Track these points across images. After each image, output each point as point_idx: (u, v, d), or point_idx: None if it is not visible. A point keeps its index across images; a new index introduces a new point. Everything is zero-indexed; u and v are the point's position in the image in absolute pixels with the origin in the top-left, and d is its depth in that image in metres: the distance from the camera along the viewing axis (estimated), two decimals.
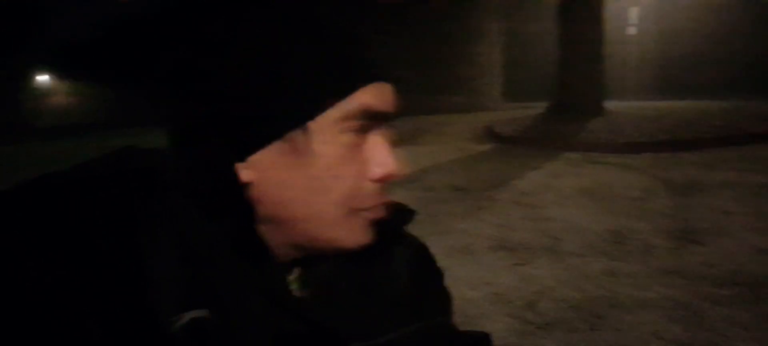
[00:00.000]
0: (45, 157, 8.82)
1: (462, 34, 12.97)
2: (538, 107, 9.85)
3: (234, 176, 0.50)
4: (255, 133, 0.50)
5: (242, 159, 0.50)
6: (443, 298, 0.71)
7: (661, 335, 2.29)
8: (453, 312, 0.71)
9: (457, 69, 12.98)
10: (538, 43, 14.31)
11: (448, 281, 2.74)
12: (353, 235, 0.54)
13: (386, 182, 0.55)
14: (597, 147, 6.63)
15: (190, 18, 0.51)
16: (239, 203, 0.51)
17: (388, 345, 0.57)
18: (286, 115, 0.50)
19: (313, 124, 0.50)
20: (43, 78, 24.38)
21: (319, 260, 0.57)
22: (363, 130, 0.53)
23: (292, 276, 0.56)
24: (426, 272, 0.69)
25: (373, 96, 0.52)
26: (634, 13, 13.83)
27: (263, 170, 0.51)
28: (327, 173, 0.51)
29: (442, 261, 2.83)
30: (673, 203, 4.23)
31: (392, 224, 0.62)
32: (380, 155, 0.54)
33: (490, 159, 6.66)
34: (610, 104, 9.06)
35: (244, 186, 0.51)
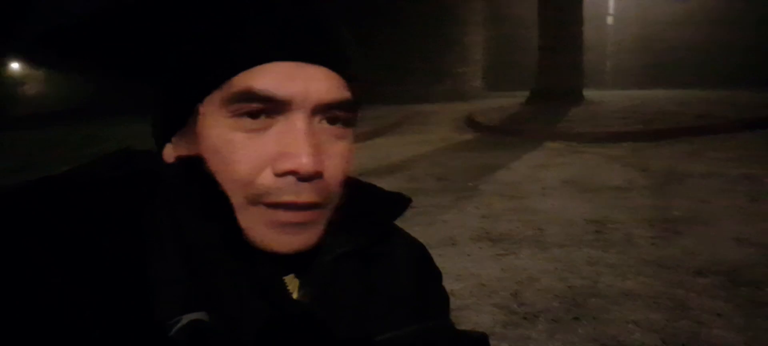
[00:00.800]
0: (29, 144, 8.65)
1: (444, 22, 12.95)
2: (520, 96, 9.92)
3: (198, 163, 0.50)
4: (168, 117, 0.54)
5: (168, 140, 0.54)
6: (442, 299, 0.70)
7: (643, 323, 2.34)
8: (450, 313, 0.71)
9: (439, 57, 12.98)
10: (521, 31, 14.36)
11: None
12: (257, 232, 0.50)
13: (297, 177, 0.49)
14: (579, 136, 6.71)
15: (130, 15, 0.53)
16: (213, 193, 0.49)
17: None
18: (177, 99, 0.52)
19: (202, 108, 0.50)
20: (15, 66, 23.83)
21: (316, 258, 0.55)
22: (265, 115, 0.49)
23: (290, 277, 0.55)
24: (425, 272, 0.68)
25: (262, 79, 0.48)
26: (611, 1, 13.95)
27: (187, 152, 0.52)
28: (217, 157, 0.49)
29: None
30: (654, 193, 4.30)
31: (387, 214, 0.62)
32: (285, 146, 0.49)
33: (472, 149, 6.69)
34: (590, 93, 9.16)
35: (210, 174, 0.50)
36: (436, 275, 0.70)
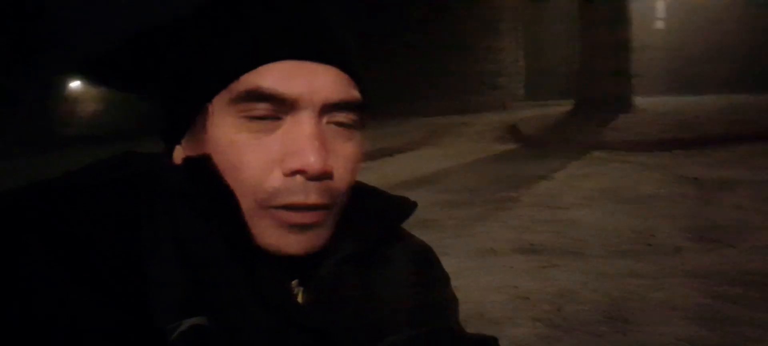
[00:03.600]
0: (73, 164, 9.01)
1: (482, 30, 12.88)
2: (561, 105, 9.75)
3: (208, 164, 0.50)
4: (176, 118, 0.53)
5: (177, 142, 0.54)
6: (448, 301, 0.67)
7: (687, 338, 2.28)
8: (458, 316, 0.69)
9: (477, 67, 12.90)
10: (561, 39, 14.15)
11: (471, 284, 2.76)
12: (266, 235, 0.50)
13: (305, 177, 0.48)
14: (622, 145, 6.55)
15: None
16: (221, 195, 0.49)
17: None
18: (187, 100, 0.51)
19: (211, 107, 0.50)
20: (74, 84, 24.87)
21: (319, 262, 0.54)
22: (272, 115, 0.48)
23: (294, 281, 0.54)
24: (430, 275, 0.66)
25: (269, 77, 0.48)
26: (661, 6, 13.57)
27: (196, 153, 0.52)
28: (225, 158, 0.49)
29: (464, 264, 2.87)
30: (700, 203, 4.17)
31: (392, 218, 0.61)
32: (292, 145, 0.48)
33: (512, 160, 6.63)
34: (637, 100, 8.92)
35: (219, 176, 0.49)
36: (441, 277, 0.68)
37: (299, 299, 0.54)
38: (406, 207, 0.61)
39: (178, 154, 0.54)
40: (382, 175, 6.33)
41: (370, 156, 7.46)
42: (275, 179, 0.48)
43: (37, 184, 0.49)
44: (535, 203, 4.55)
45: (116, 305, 0.44)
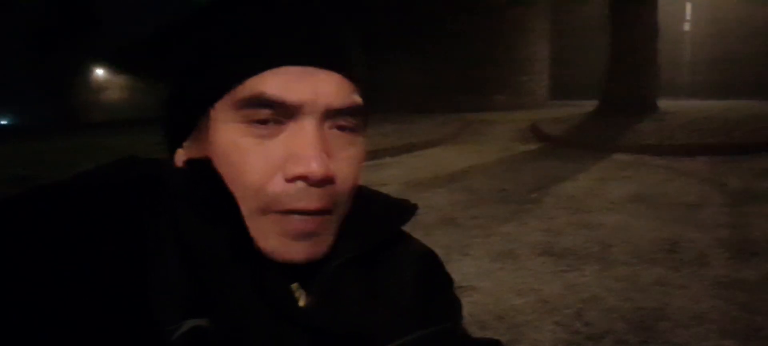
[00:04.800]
0: (105, 150, 9.18)
1: (507, 29, 12.78)
2: (586, 106, 9.62)
3: (210, 168, 0.50)
4: (179, 121, 0.53)
5: (179, 145, 0.54)
6: (452, 304, 0.67)
7: None
8: (463, 319, 0.69)
9: (501, 66, 12.80)
10: (587, 39, 13.95)
11: (492, 286, 2.73)
12: (267, 241, 0.50)
13: (307, 183, 0.49)
14: (649, 149, 6.44)
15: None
16: (224, 199, 0.49)
17: None
18: (190, 103, 0.51)
19: (213, 112, 0.50)
20: (99, 72, 25.39)
21: (321, 264, 0.54)
22: (274, 120, 0.49)
23: (295, 284, 0.55)
24: (433, 278, 0.66)
25: (272, 83, 0.48)
26: (688, 8, 13.31)
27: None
28: (228, 162, 0.49)
29: (485, 265, 2.83)
30: (730, 211, 4.06)
31: (394, 221, 0.61)
32: (295, 151, 0.48)
33: (535, 160, 6.55)
34: (662, 103, 8.76)
35: (221, 180, 0.50)
36: (444, 280, 0.68)
37: (301, 302, 0.54)
38: (407, 210, 0.62)
39: (180, 157, 0.55)
40: (408, 169, 6.31)
41: (399, 150, 7.45)
42: (277, 184, 0.49)
43: (40, 187, 0.49)
44: (558, 205, 4.48)
45: (118, 306, 0.44)
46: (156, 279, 0.46)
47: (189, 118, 0.53)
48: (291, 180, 0.48)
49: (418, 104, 12.40)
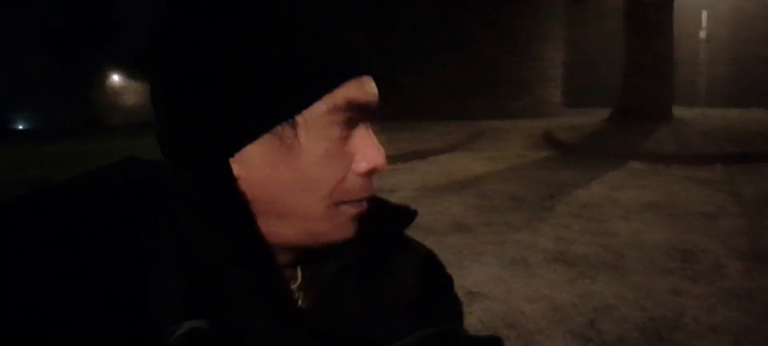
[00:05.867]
0: (123, 152, 9.26)
1: (521, 37, 12.74)
2: (600, 113, 9.55)
3: (227, 172, 0.50)
4: (244, 126, 0.49)
5: (231, 154, 0.50)
6: (452, 305, 0.69)
7: None
8: (463, 319, 0.70)
9: (516, 73, 12.76)
10: (601, 46, 13.86)
11: (503, 293, 2.72)
12: (339, 229, 0.55)
13: (372, 175, 0.56)
14: (664, 157, 6.37)
15: (192, 19, 0.51)
16: (234, 202, 0.50)
17: None
18: (274, 109, 0.49)
19: (300, 118, 0.50)
20: (115, 77, 25.70)
21: (321, 267, 0.56)
22: (349, 124, 0.53)
23: (295, 285, 0.56)
24: (433, 278, 0.68)
25: (359, 89, 0.52)
26: (704, 16, 13.17)
27: (251, 166, 0.50)
28: (314, 166, 0.51)
29: (497, 272, 2.82)
30: (746, 221, 4.01)
31: (394, 226, 0.63)
32: (366, 149, 0.54)
33: (549, 167, 6.51)
34: (679, 111, 8.67)
35: (236, 184, 0.50)
36: (444, 281, 0.70)
37: (300, 302, 0.56)
38: (408, 215, 0.64)
39: (239, 168, 0.50)
40: (421, 175, 6.30)
41: (412, 156, 7.45)
42: (352, 178, 0.54)
43: (41, 188, 0.49)
44: (571, 212, 4.45)
45: (117, 307, 0.44)
46: (155, 280, 0.46)
47: (264, 126, 0.50)
48: (364, 174, 0.54)
49: (432, 111, 12.40)
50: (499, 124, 10.65)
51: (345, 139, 0.53)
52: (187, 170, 0.51)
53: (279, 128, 0.50)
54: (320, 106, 0.50)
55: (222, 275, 0.49)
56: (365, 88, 0.53)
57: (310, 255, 0.57)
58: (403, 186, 5.65)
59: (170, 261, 0.48)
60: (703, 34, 12.91)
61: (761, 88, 12.03)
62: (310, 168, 0.51)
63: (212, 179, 0.50)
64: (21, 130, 31.03)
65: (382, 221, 0.62)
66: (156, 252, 0.48)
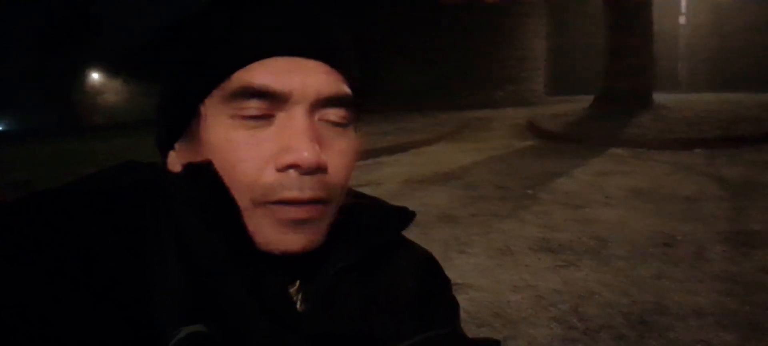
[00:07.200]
0: (106, 153, 9.18)
1: (505, 26, 12.77)
2: (583, 101, 9.61)
3: (206, 170, 0.50)
4: (170, 122, 0.53)
5: (171, 147, 0.54)
6: (450, 307, 0.68)
7: (713, 343, 2.21)
8: (460, 320, 0.69)
9: (499, 63, 12.80)
10: (584, 34, 13.95)
11: (489, 283, 2.72)
12: (263, 232, 0.50)
13: (299, 171, 0.49)
14: (646, 143, 6.43)
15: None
16: (217, 201, 0.49)
17: None
18: (181, 101, 0.51)
19: (204, 109, 0.50)
20: (94, 76, 25.38)
21: (319, 269, 0.55)
22: (264, 112, 0.49)
23: (294, 289, 0.55)
24: (432, 281, 0.66)
25: (260, 74, 0.48)
26: (683, 1, 13.31)
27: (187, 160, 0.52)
28: (221, 158, 0.49)
29: (483, 262, 2.82)
30: (728, 205, 4.06)
31: (392, 228, 0.62)
32: (285, 141, 0.49)
33: (532, 156, 6.54)
34: (659, 97, 8.76)
35: (217, 180, 0.49)
36: (442, 283, 0.68)
37: (298, 306, 0.54)
38: (406, 216, 0.63)
39: (173, 160, 0.54)
40: (407, 167, 6.30)
41: (397, 148, 7.44)
42: (269, 175, 0.49)
43: (41, 192, 0.49)
44: (555, 200, 4.47)
45: (118, 310, 0.44)
46: (156, 284, 0.46)
47: (181, 117, 0.52)
48: (283, 169, 0.48)
49: (417, 102, 12.40)
50: (484, 114, 10.68)
51: (259, 128, 0.49)
52: (177, 172, 0.52)
53: (194, 123, 0.51)
54: (217, 95, 0.49)
55: (221, 277, 0.48)
56: (268, 73, 0.48)
57: (307, 259, 0.54)
58: (388, 178, 5.64)
59: (171, 264, 0.47)
60: (682, 19, 13.03)
61: (741, 73, 12.18)
62: (218, 160, 0.49)
63: (193, 178, 0.50)
64: (2, 131, 30.54)
65: (380, 223, 0.61)
66: (157, 255, 0.47)
